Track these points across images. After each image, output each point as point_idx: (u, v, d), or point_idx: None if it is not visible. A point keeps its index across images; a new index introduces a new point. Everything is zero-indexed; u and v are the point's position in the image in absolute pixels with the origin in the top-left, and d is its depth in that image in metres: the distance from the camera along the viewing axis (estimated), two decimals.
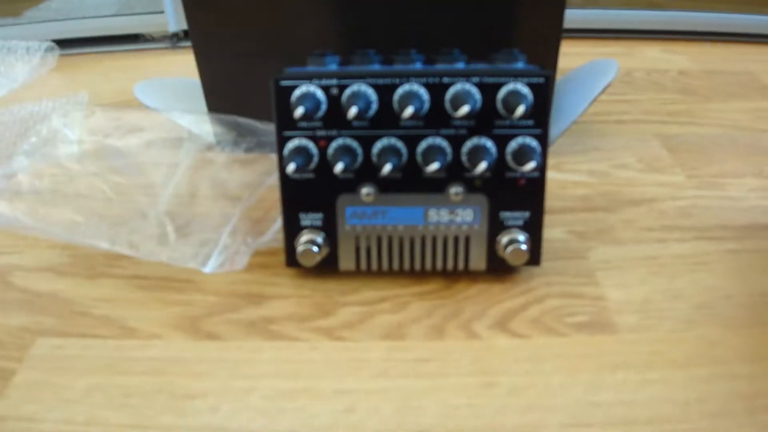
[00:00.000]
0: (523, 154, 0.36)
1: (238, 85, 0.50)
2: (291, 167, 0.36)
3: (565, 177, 0.50)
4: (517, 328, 0.36)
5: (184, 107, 0.52)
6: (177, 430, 0.31)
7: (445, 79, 0.36)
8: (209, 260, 0.38)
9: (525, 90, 0.36)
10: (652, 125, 0.59)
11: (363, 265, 0.40)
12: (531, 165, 0.36)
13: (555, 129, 0.52)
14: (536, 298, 0.39)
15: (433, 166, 0.36)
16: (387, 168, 0.36)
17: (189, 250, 0.39)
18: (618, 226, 0.45)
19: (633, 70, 0.71)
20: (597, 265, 0.41)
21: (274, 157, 0.39)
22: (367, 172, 0.37)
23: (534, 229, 0.38)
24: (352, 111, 0.35)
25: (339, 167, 0.36)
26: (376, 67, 0.38)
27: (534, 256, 0.39)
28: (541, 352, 0.35)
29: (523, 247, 0.38)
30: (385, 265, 0.40)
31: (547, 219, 0.45)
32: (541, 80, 0.36)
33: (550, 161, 0.56)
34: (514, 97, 0.35)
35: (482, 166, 0.36)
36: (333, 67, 0.38)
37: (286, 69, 0.38)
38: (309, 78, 0.36)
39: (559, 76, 0.53)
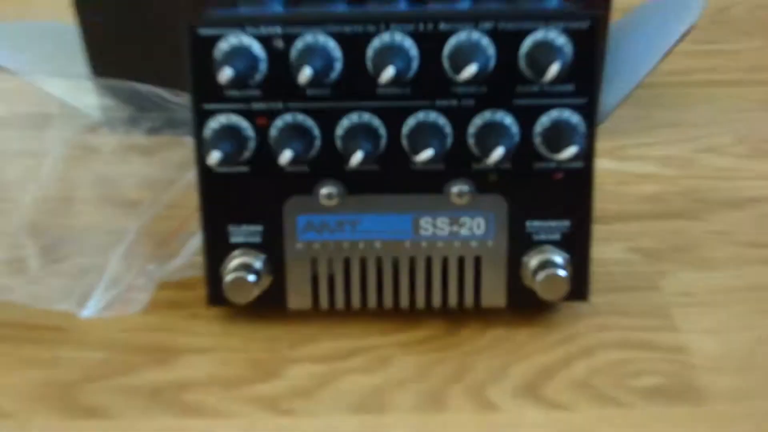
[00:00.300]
0: (559, 136, 0.36)
1: (137, 36, 0.50)
2: (215, 157, 0.36)
3: (625, 167, 0.50)
4: (555, 396, 0.36)
5: (53, 67, 0.52)
6: None
7: (443, 25, 0.36)
8: (89, 300, 0.38)
9: (561, 40, 0.36)
10: (758, 88, 0.59)
11: (323, 302, 0.39)
12: (571, 151, 0.36)
13: (610, 96, 0.52)
14: (583, 349, 0.39)
15: (426, 154, 0.36)
16: (357, 157, 0.36)
17: (59, 285, 0.39)
18: (706, 241, 0.45)
19: (730, 4, 0.72)
20: (675, 300, 0.41)
21: (190, 143, 0.39)
22: (328, 163, 0.37)
23: (578, 246, 0.38)
24: (306, 73, 0.35)
25: (286, 156, 0.36)
26: (341, 7, 0.38)
27: (578, 287, 0.39)
28: (593, 430, 0.35)
29: (562, 273, 0.38)
30: (355, 302, 0.39)
31: (599, 231, 0.45)
32: (586, 24, 0.36)
33: (604, 144, 0.55)
34: (545, 51, 0.35)
35: (498, 152, 0.36)
36: (277, 7, 0.38)
37: (207, 10, 0.38)
38: (241, 24, 0.36)
39: (615, 17, 0.53)
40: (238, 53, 0.36)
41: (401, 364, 0.38)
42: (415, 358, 0.38)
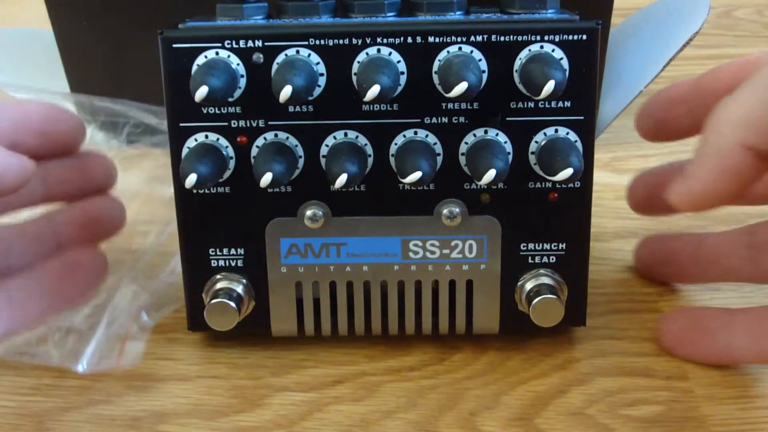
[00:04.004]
0: (555, 155, 0.36)
1: (113, 48, 0.50)
2: (192, 179, 0.35)
3: (624, 181, 0.49)
4: (549, 426, 0.36)
5: (34, 75, 0.51)
6: None
7: (433, 39, 0.35)
8: (83, 353, 0.39)
9: (557, 53, 0.35)
10: None
11: (308, 328, 0.39)
12: (567, 172, 0.35)
13: (610, 104, 0.52)
14: (580, 376, 0.38)
15: (414, 176, 0.35)
16: (342, 179, 0.35)
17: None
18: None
19: (736, 6, 0.71)
20: None
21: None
22: (312, 183, 0.37)
23: (574, 269, 0.38)
24: (286, 91, 0.34)
25: (267, 179, 0.35)
26: (325, 19, 0.37)
27: (575, 312, 0.38)
28: None
29: (557, 299, 0.37)
30: (342, 328, 0.39)
31: (596, 249, 0.44)
32: (584, 36, 0.35)
33: (603, 155, 0.55)
34: (541, 66, 0.35)
35: (491, 174, 0.35)
36: (258, 20, 0.37)
37: (182, 22, 0.37)
38: (219, 38, 0.36)
39: (615, 21, 0.52)
40: (216, 68, 0.35)
41: (390, 392, 0.38)
42: (405, 386, 0.38)
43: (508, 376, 0.38)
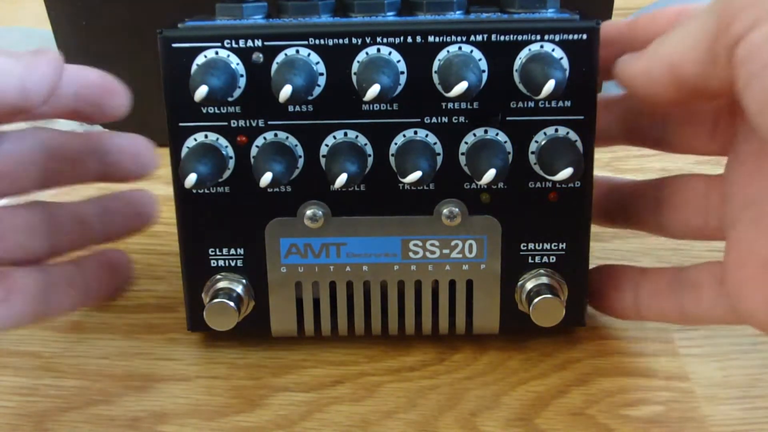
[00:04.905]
0: (555, 155, 0.36)
1: (111, 46, 0.50)
2: (191, 179, 0.35)
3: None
4: (550, 426, 0.36)
5: None
6: None
7: (433, 38, 0.35)
8: None
9: (558, 52, 0.35)
10: None
11: (308, 328, 0.39)
12: (568, 172, 0.35)
13: None
14: (579, 377, 0.38)
15: (414, 176, 0.35)
16: (342, 179, 0.35)
17: None
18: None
19: None
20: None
21: None
22: (312, 183, 0.37)
23: (574, 269, 0.38)
24: (286, 90, 0.34)
25: (267, 178, 0.35)
26: (325, 19, 0.37)
27: (575, 313, 0.38)
28: None
29: (557, 298, 0.37)
30: (342, 328, 0.39)
31: (596, 249, 0.44)
32: (584, 36, 0.35)
33: (602, 155, 0.54)
34: (541, 65, 0.35)
35: (491, 173, 0.35)
36: (257, 19, 0.37)
37: (181, 22, 0.37)
38: (219, 37, 0.35)
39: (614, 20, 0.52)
40: (215, 67, 0.35)
41: (390, 392, 0.38)
42: (405, 386, 0.38)
43: (508, 376, 0.38)
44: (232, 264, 0.38)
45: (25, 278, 0.37)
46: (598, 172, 0.38)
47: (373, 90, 0.34)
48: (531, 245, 0.38)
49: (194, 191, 0.37)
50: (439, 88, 0.36)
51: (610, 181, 0.41)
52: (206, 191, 0.37)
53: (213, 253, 0.38)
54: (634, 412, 0.36)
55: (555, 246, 0.38)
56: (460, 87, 0.34)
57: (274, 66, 0.35)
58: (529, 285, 0.38)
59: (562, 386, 0.38)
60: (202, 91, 0.34)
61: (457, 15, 0.37)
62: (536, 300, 0.37)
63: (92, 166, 0.39)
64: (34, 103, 0.33)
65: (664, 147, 0.39)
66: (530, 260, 0.38)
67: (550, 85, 0.34)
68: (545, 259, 0.38)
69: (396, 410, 0.37)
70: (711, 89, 0.31)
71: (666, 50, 0.32)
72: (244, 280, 0.38)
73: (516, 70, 0.36)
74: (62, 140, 0.38)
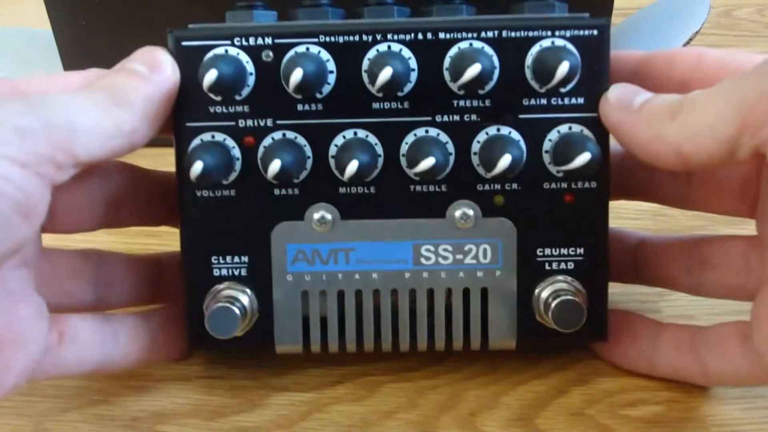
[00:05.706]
0: (570, 146, 0.35)
1: (113, 52, 0.50)
2: (197, 167, 0.34)
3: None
4: (549, 426, 0.36)
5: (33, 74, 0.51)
6: None
7: (444, 35, 0.35)
8: None
9: (569, 48, 0.35)
10: None
11: (314, 343, 0.37)
12: (585, 157, 0.34)
13: None
14: (578, 376, 0.38)
15: (427, 163, 0.35)
16: (353, 166, 0.34)
17: None
18: None
19: (736, 6, 0.71)
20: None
21: None
22: (320, 185, 0.36)
23: (593, 275, 0.36)
24: (297, 74, 0.34)
25: (275, 166, 0.34)
26: (336, 19, 0.37)
27: (595, 324, 0.36)
28: None
29: (578, 300, 0.36)
30: (350, 343, 0.37)
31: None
32: (595, 32, 0.35)
33: None
34: (552, 55, 0.35)
35: (506, 159, 0.35)
36: (267, 20, 0.37)
37: (194, 22, 0.36)
38: (229, 35, 0.35)
39: (615, 21, 0.52)
40: (225, 65, 0.35)
41: (389, 392, 0.38)
42: (405, 386, 0.38)
43: (508, 376, 0.38)
44: (236, 273, 0.37)
45: (81, 325, 0.35)
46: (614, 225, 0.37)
47: (386, 73, 0.34)
48: (547, 250, 0.37)
49: (199, 194, 0.36)
50: (451, 85, 0.35)
51: (637, 237, 0.40)
52: (211, 194, 0.36)
53: (216, 261, 0.37)
54: (634, 411, 0.37)
55: (572, 251, 0.37)
56: (474, 69, 0.34)
57: (284, 63, 0.35)
58: (546, 293, 0.36)
59: (562, 386, 0.38)
60: (211, 76, 0.34)
61: (467, 12, 0.37)
62: (555, 302, 0.36)
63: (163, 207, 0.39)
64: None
65: (685, 205, 0.39)
66: (547, 267, 0.37)
67: (564, 67, 0.34)
68: (563, 265, 0.37)
69: (396, 410, 0.37)
70: (724, 168, 0.31)
71: (674, 139, 0.32)
72: (248, 291, 0.37)
73: (528, 66, 0.35)
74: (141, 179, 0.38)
